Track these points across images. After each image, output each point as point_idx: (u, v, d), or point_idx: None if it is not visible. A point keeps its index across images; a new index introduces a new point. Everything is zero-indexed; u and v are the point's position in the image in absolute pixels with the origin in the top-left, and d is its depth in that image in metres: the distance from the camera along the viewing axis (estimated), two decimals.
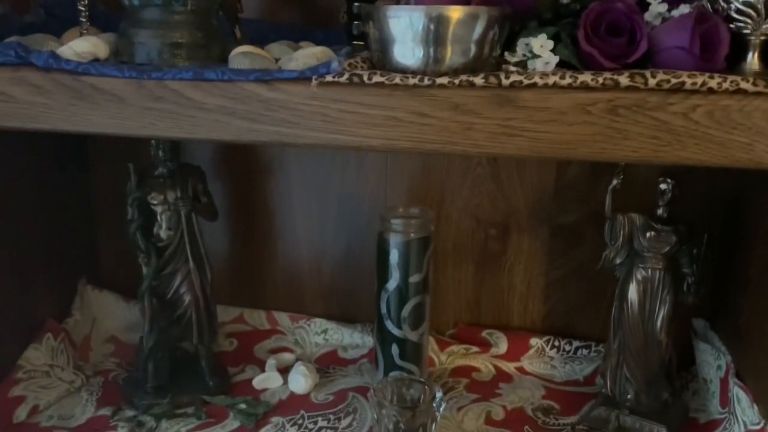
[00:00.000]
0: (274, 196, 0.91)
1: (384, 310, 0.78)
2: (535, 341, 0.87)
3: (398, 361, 0.78)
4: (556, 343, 0.87)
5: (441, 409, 0.68)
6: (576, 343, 0.86)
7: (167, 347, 0.79)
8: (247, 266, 0.94)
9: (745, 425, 0.66)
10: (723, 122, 0.46)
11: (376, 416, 0.68)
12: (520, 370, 0.86)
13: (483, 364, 0.87)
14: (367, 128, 0.51)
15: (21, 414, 0.73)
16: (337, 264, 0.92)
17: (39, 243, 0.82)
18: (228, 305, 0.92)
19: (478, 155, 0.51)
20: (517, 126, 0.49)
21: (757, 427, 0.64)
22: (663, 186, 0.70)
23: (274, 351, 0.89)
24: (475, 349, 0.88)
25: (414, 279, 0.76)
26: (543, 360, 0.87)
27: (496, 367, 0.87)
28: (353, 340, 0.90)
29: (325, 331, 0.91)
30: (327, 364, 0.87)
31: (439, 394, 0.69)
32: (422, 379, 0.73)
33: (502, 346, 0.88)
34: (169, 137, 0.55)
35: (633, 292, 0.72)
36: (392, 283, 0.76)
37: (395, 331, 0.77)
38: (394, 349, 0.78)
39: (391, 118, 0.50)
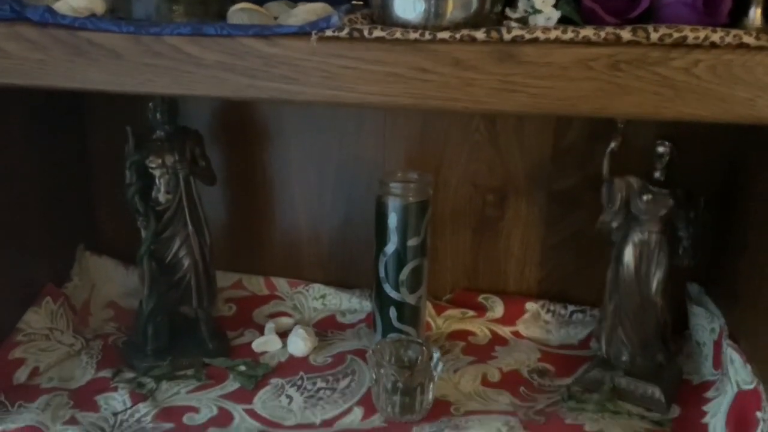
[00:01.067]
0: (272, 163, 0.90)
1: (382, 274, 0.78)
2: (531, 305, 0.88)
3: (396, 324, 0.79)
4: (552, 308, 0.88)
5: (438, 369, 0.69)
6: (571, 308, 0.87)
7: (167, 311, 0.80)
8: (245, 233, 0.94)
9: (738, 385, 0.67)
10: (725, 77, 0.46)
11: (374, 376, 0.69)
12: (516, 334, 0.87)
13: (479, 329, 0.88)
14: (367, 84, 0.50)
15: (21, 376, 0.74)
16: (335, 230, 0.92)
17: (36, 208, 0.82)
18: (226, 271, 0.93)
19: (479, 112, 0.51)
20: (519, 81, 0.49)
21: (750, 387, 0.65)
22: (660, 149, 0.70)
23: (273, 316, 0.90)
24: (471, 313, 0.88)
25: (412, 242, 0.76)
26: (538, 324, 0.87)
27: (491, 331, 0.87)
28: (351, 305, 0.91)
29: (323, 296, 0.91)
30: (325, 329, 0.88)
31: (436, 355, 0.70)
32: (420, 341, 0.74)
33: (498, 310, 0.88)
34: (168, 94, 0.55)
35: (629, 255, 0.72)
36: (390, 247, 0.77)
37: (393, 294, 0.78)
38: (392, 312, 0.79)
39: (392, 74, 0.50)
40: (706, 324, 0.77)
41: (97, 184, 0.93)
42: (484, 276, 0.91)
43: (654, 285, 0.72)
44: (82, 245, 0.91)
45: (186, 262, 0.78)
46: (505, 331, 0.88)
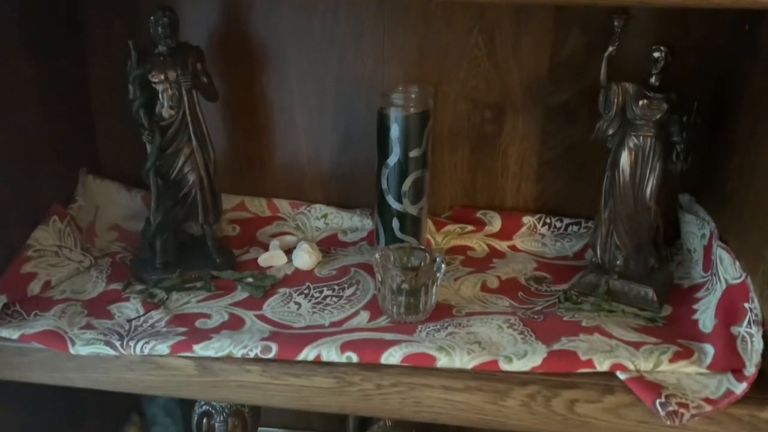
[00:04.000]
0: (271, 84, 0.91)
1: (384, 186, 0.80)
2: (527, 219, 0.90)
3: (399, 234, 0.81)
4: (548, 221, 0.90)
5: (441, 270, 0.72)
6: (566, 221, 0.90)
7: (173, 228, 0.81)
8: (245, 155, 0.95)
9: (727, 281, 0.70)
10: None
11: (380, 278, 0.72)
12: (513, 248, 0.90)
13: (477, 244, 0.90)
14: None
15: (34, 288, 0.76)
16: (335, 150, 0.93)
17: (38, 130, 0.82)
18: (229, 194, 0.94)
19: None
20: None
21: (738, 281, 0.68)
22: (656, 54, 0.71)
23: (276, 235, 0.92)
24: (470, 228, 0.91)
25: (414, 153, 0.78)
26: (534, 238, 0.90)
27: (489, 246, 0.90)
28: (353, 223, 0.93)
29: (325, 216, 0.93)
30: (328, 247, 0.90)
31: (439, 258, 0.72)
32: (423, 247, 0.77)
33: (496, 224, 0.91)
34: None
35: (624, 160, 0.74)
36: (392, 159, 0.78)
37: (395, 205, 0.80)
38: (395, 223, 0.81)
39: None
40: (697, 231, 0.80)
41: (98, 106, 0.93)
42: (482, 193, 0.93)
43: (648, 190, 0.75)
44: (85, 168, 0.92)
45: (191, 178, 0.79)
46: (502, 245, 0.90)
